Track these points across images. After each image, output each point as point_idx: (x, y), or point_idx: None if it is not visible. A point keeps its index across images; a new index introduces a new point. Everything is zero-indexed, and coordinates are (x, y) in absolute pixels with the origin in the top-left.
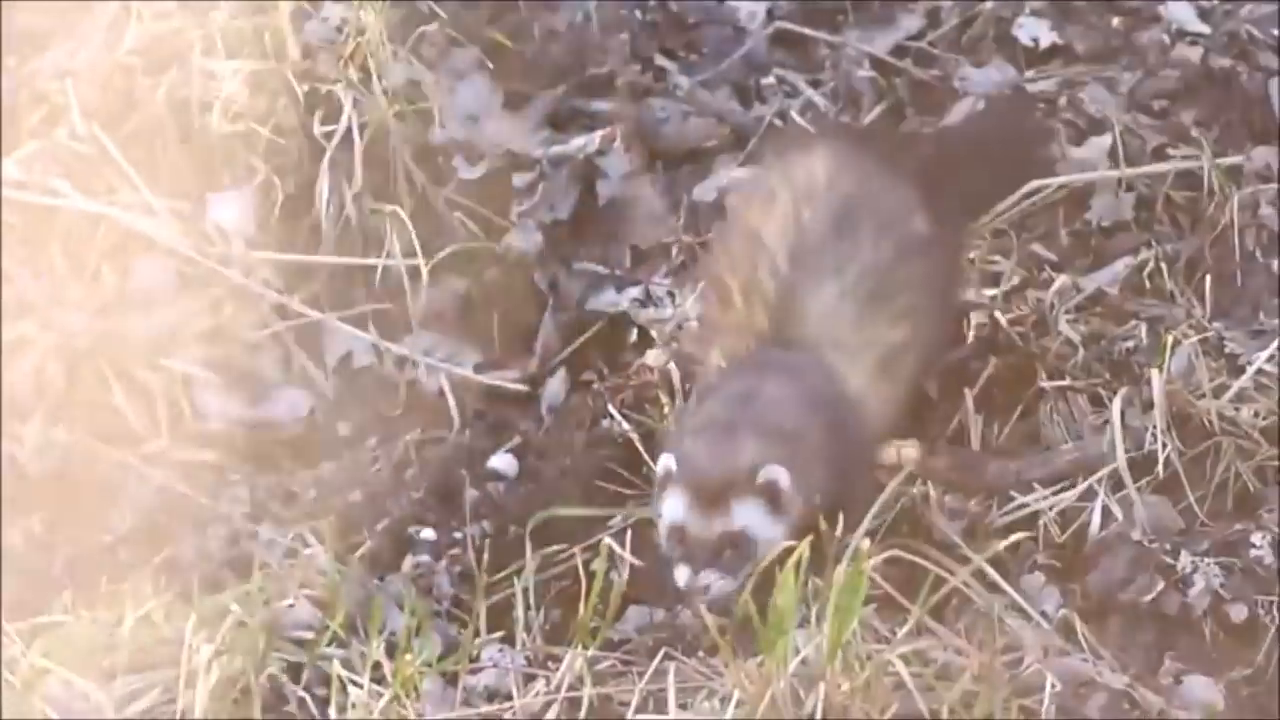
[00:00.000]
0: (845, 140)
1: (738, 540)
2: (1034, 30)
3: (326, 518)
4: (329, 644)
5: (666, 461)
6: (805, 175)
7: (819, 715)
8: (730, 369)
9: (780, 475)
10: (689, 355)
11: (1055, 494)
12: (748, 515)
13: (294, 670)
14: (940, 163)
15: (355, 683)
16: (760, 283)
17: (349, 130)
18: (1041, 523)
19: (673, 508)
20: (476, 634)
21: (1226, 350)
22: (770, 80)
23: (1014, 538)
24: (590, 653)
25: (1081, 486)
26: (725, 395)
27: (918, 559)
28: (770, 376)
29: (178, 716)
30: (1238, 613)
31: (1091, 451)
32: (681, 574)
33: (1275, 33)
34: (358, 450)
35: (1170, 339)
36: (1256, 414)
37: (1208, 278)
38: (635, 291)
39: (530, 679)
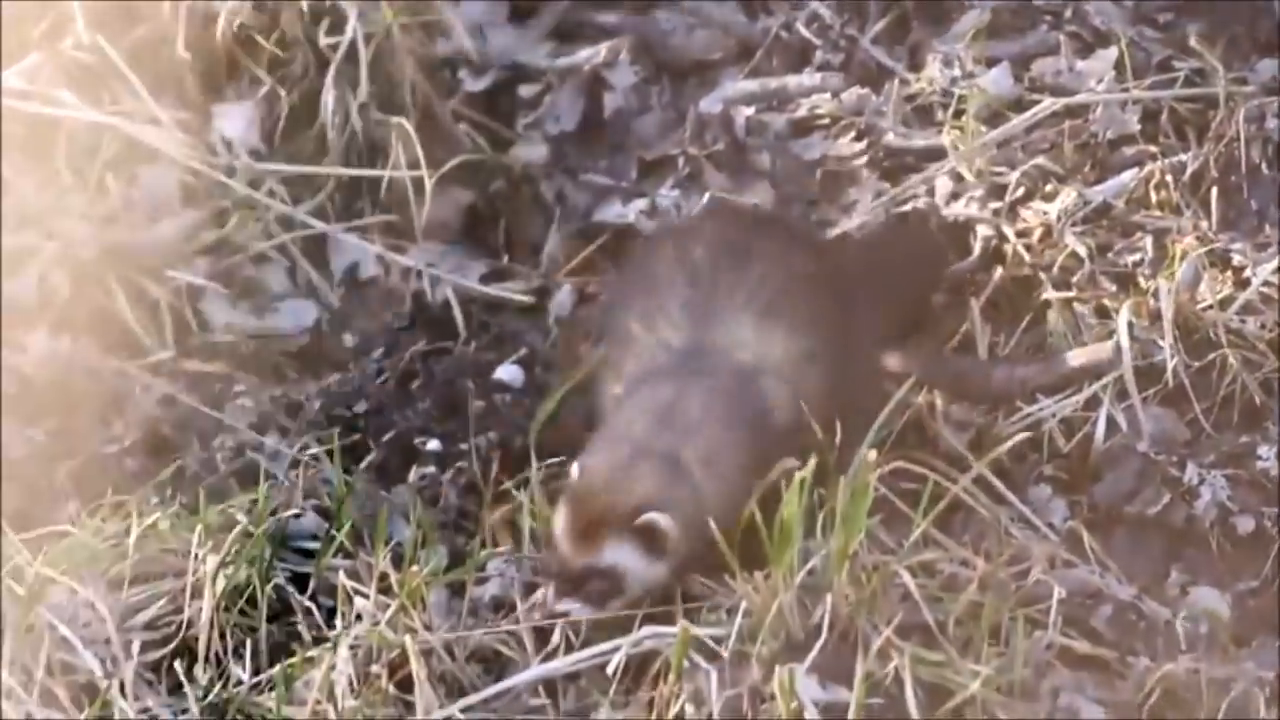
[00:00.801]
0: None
1: (605, 575)
2: None
3: (332, 429)
4: (335, 555)
5: (575, 468)
6: (693, 226)
7: (826, 626)
8: (649, 371)
9: (662, 522)
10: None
11: (1060, 401)
12: (619, 556)
13: (300, 581)
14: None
15: (361, 593)
16: (668, 310)
17: (354, 42)
18: (1046, 430)
19: (556, 522)
20: (482, 545)
21: (1232, 263)
22: None
23: (1016, 438)
24: None
25: (1087, 392)
26: (644, 404)
27: (924, 470)
28: (689, 384)
29: (183, 627)
30: (1244, 524)
31: (1098, 354)
32: (543, 594)
33: None
34: (363, 362)
35: (1176, 251)
36: (1263, 326)
37: (1214, 190)
38: (642, 203)
39: (535, 590)
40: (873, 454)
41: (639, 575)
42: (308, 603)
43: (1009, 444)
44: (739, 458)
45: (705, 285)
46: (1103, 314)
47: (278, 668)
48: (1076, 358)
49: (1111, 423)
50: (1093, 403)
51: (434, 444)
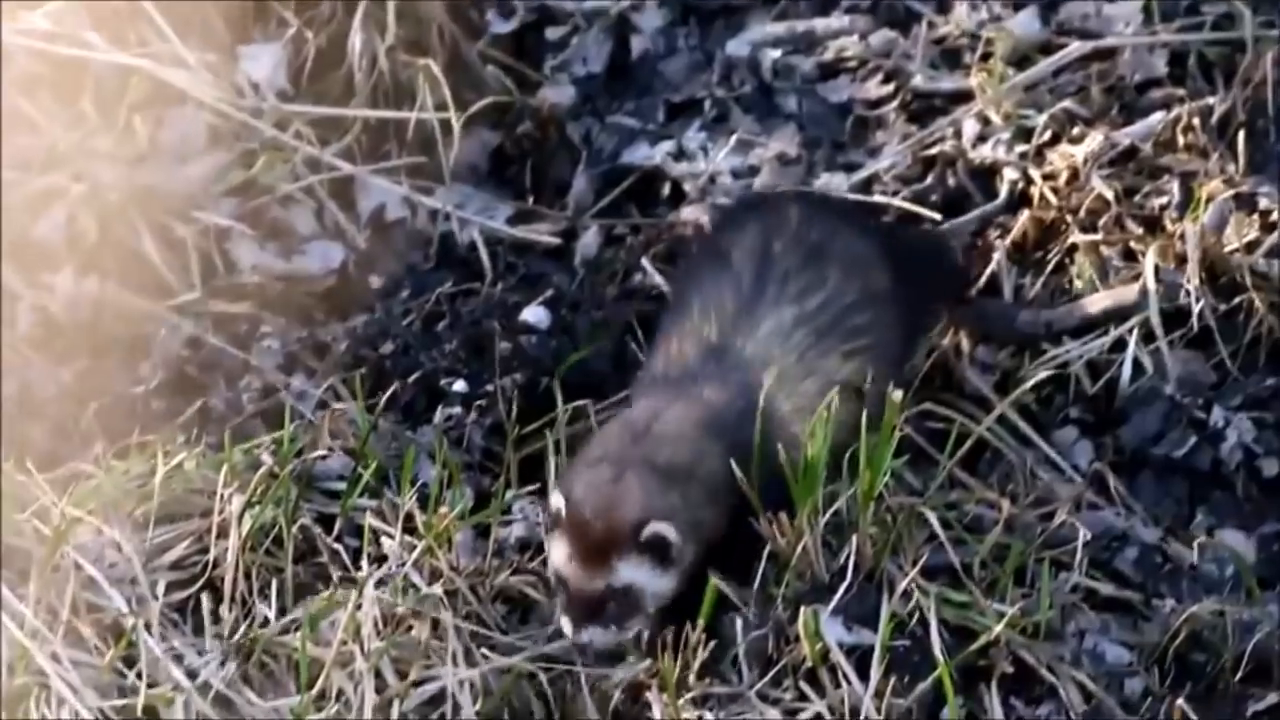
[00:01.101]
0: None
1: (623, 595)
2: None
3: (358, 370)
4: (361, 495)
5: (556, 499)
6: (778, 214)
7: (851, 568)
8: (645, 387)
9: (667, 531)
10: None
11: (1086, 344)
12: (633, 573)
13: (326, 521)
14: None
15: (387, 534)
16: (721, 296)
17: None
18: (1072, 373)
19: (556, 556)
20: (508, 486)
21: (1259, 206)
22: None
23: (1040, 378)
24: None
25: (1113, 335)
26: (621, 424)
27: (949, 412)
28: (679, 396)
29: (209, 567)
30: (1269, 467)
31: (1124, 297)
32: (563, 625)
33: None
34: (390, 303)
35: (1203, 194)
36: None
37: (1241, 133)
38: (669, 145)
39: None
40: (898, 395)
41: (654, 588)
42: (334, 543)
43: (1033, 383)
44: (716, 464)
45: (771, 282)
46: (1129, 257)
47: (303, 608)
48: (1102, 300)
49: (1137, 365)
50: (1119, 345)
51: (460, 385)
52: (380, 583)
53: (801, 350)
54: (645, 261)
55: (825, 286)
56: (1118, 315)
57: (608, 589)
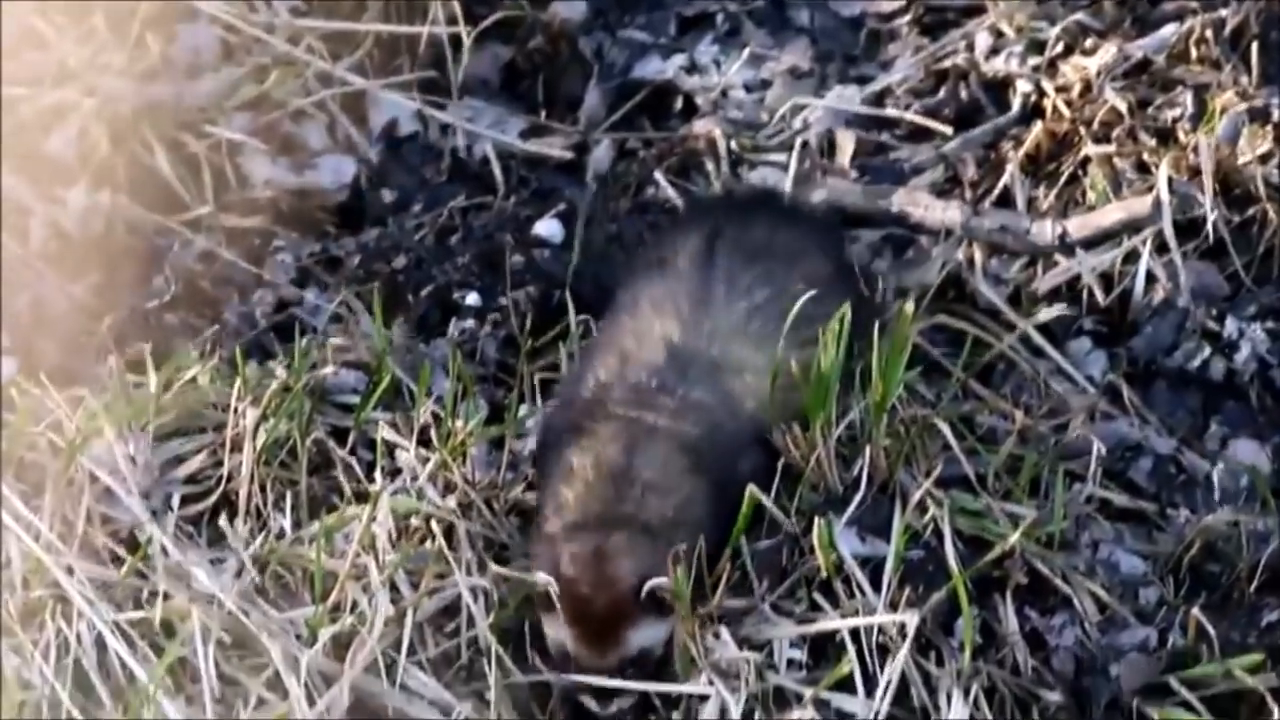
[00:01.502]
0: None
1: (638, 659)
2: None
3: (372, 284)
4: (375, 409)
5: (544, 580)
6: (719, 217)
7: (865, 479)
8: (603, 425)
9: (662, 584)
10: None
11: (1099, 255)
12: (642, 637)
13: (340, 435)
14: None
15: (402, 447)
16: (675, 297)
17: None
18: (1085, 284)
19: (562, 640)
20: (521, 399)
21: (1272, 118)
22: None
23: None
24: None
25: (1126, 246)
26: (595, 471)
27: (962, 325)
28: (651, 427)
29: (223, 480)
30: None
31: (1137, 208)
32: (589, 704)
33: None
34: (402, 217)
35: (1216, 106)
36: None
37: (1254, 45)
38: (681, 59)
39: None
40: (910, 306)
41: (661, 638)
42: (348, 457)
43: (1051, 311)
44: (702, 506)
45: (719, 280)
46: (1142, 169)
47: (318, 521)
48: (1115, 212)
49: (1150, 277)
50: (1132, 257)
51: (473, 298)
52: (395, 495)
53: (758, 342)
54: (658, 175)
55: (771, 279)
56: (1131, 227)
57: (624, 660)
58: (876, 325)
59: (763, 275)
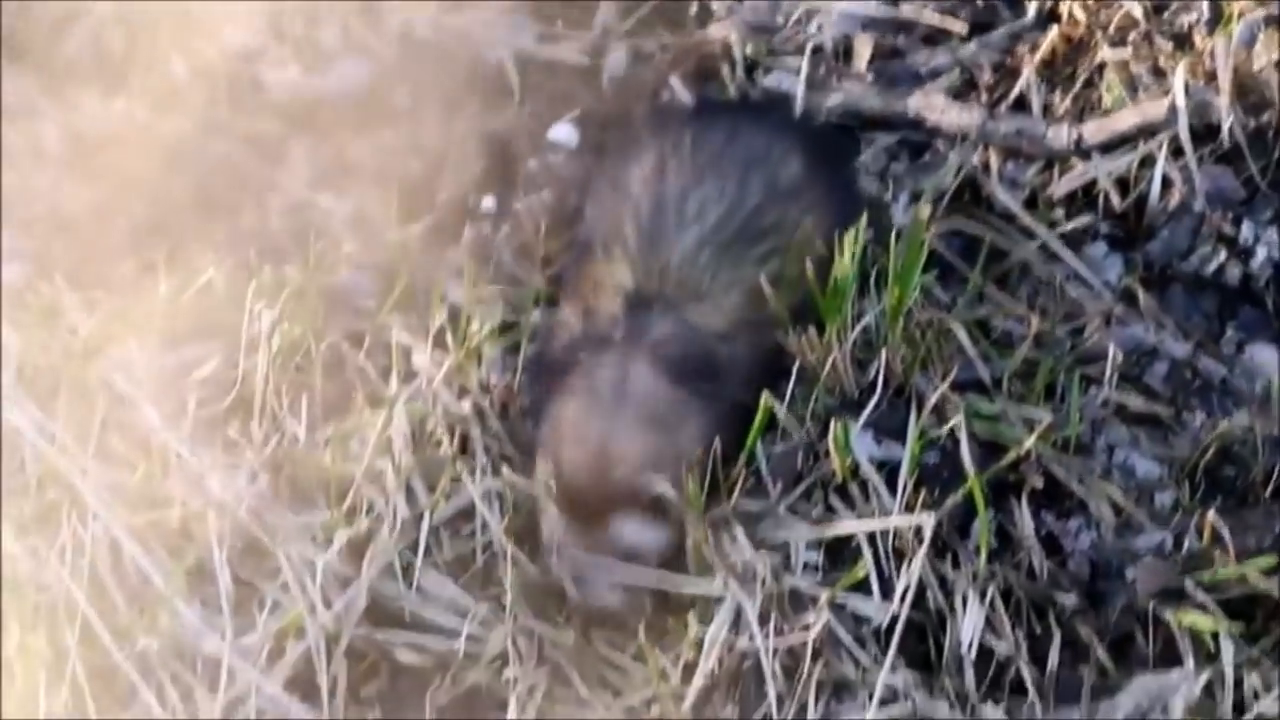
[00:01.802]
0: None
1: (624, 555)
2: None
3: (387, 187)
4: (390, 313)
5: (543, 473)
6: (677, 129)
7: (880, 383)
8: (594, 348)
9: (660, 484)
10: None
11: (1115, 159)
12: (633, 532)
13: (355, 338)
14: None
15: (416, 350)
16: (624, 236)
17: None
18: (1101, 189)
19: (552, 527)
20: (536, 303)
21: None
22: None
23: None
24: None
25: (1142, 150)
26: (593, 388)
27: (978, 228)
28: (635, 355)
29: (239, 384)
30: None
31: (1153, 112)
32: (573, 589)
33: None
34: (418, 121)
35: (1233, 11)
36: None
37: None
38: None
39: None
40: (926, 209)
41: (654, 545)
42: (363, 360)
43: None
44: (694, 419)
45: (669, 211)
46: (1158, 74)
47: (333, 424)
48: (1131, 116)
49: (1167, 181)
50: (1148, 162)
51: (488, 203)
52: (410, 400)
53: (715, 270)
54: (673, 80)
55: (723, 196)
56: (1147, 131)
57: (611, 548)
58: (864, 221)
59: (714, 193)
